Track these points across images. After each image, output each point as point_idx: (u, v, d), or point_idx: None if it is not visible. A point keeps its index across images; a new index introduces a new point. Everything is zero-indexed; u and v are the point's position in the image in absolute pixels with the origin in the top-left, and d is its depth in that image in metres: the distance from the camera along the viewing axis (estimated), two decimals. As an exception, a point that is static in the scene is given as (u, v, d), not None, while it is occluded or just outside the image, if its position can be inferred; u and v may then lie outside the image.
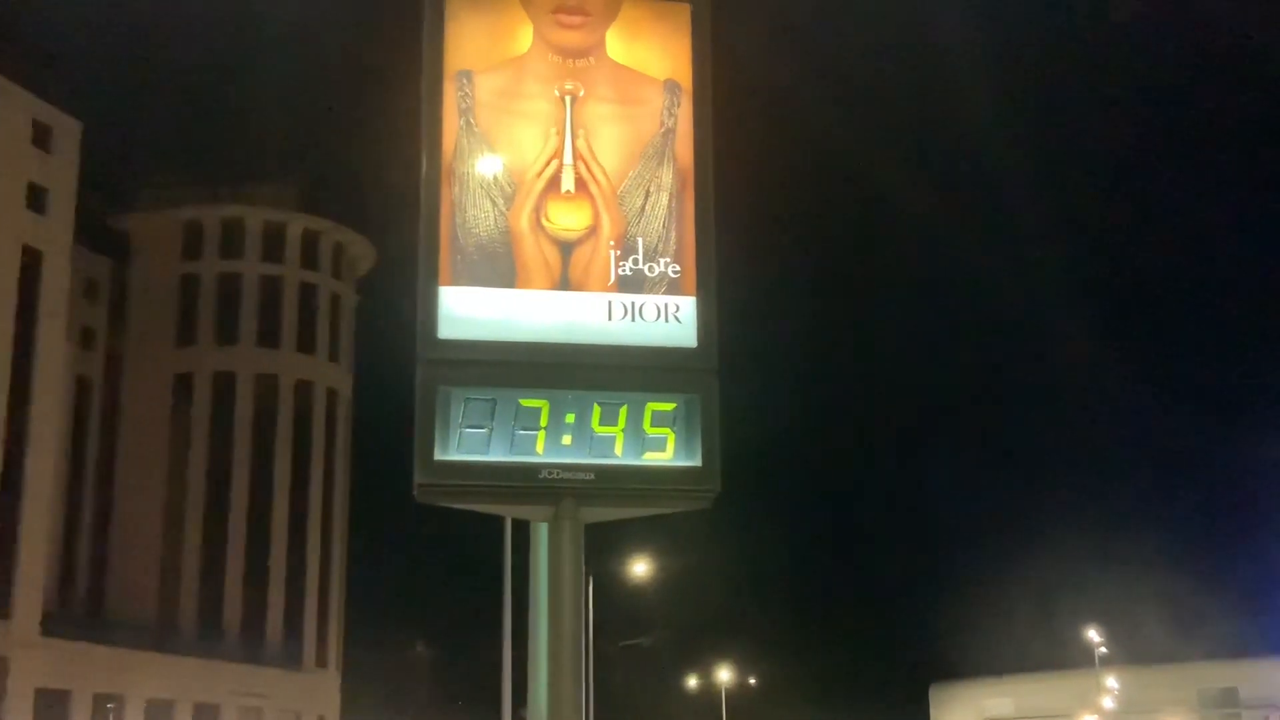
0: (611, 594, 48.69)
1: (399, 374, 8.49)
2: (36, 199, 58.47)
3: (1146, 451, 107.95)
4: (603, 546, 42.23)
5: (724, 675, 75.49)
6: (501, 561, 27.61)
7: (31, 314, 57.53)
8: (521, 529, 9.31)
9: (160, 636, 64.61)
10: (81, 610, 65.94)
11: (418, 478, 7.95)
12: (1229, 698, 71.22)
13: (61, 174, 59.80)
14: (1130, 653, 70.19)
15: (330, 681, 73.48)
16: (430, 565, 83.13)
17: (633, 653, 66.89)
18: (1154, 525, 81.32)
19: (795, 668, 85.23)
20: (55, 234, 59.26)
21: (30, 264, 57.69)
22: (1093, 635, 69.58)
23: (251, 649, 67.93)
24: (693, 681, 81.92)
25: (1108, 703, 70.44)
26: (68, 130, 60.23)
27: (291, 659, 70.12)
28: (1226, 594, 70.04)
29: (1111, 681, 70.55)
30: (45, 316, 58.38)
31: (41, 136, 59.08)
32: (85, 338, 68.73)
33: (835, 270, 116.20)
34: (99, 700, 59.65)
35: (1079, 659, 71.46)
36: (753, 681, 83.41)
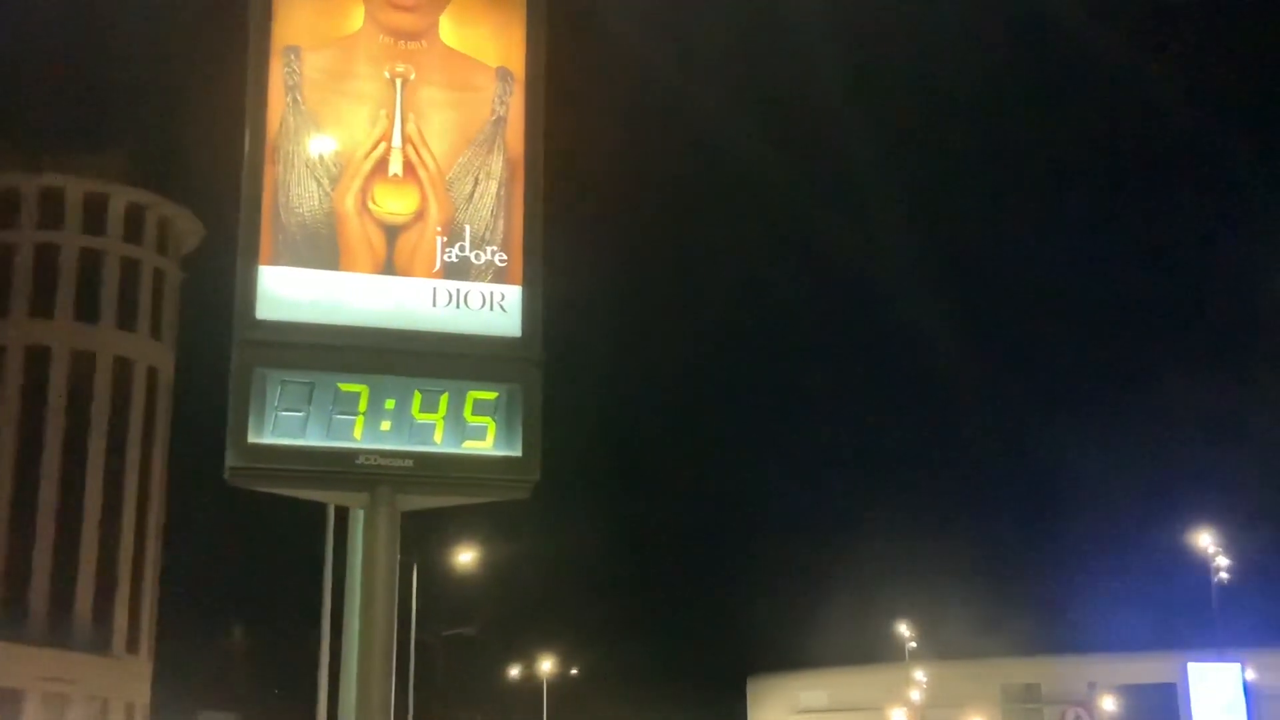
0: (435, 583, 48.39)
1: (223, 354, 8.32)
2: None
3: (962, 452, 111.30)
4: (428, 535, 41.95)
5: (546, 665, 75.62)
6: (324, 546, 27.23)
7: None
8: (344, 514, 9.20)
9: (-39, 619, 62.14)
10: (-125, 590, 63.05)
11: (230, 461, 7.81)
12: (1031, 693, 73.90)
13: None
14: (938, 648, 72.35)
15: (141, 667, 71.50)
16: (251, 551, 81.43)
17: (456, 642, 66.59)
18: (964, 527, 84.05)
19: (617, 658, 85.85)
20: None
21: None
22: (904, 631, 71.63)
23: (59, 633, 65.72)
24: (515, 671, 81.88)
25: (916, 696, 72.53)
26: (-124, 87, 57.43)
27: (101, 644, 68.03)
28: (1030, 594, 72.84)
29: (920, 675, 72.68)
30: None
31: None
32: (-111, 305, 65.64)
33: (663, 262, 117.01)
34: (-109, 684, 57.12)
35: (891, 654, 73.49)
36: (575, 672, 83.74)
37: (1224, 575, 51.13)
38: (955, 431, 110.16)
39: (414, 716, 41.75)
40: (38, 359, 68.44)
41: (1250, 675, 53.56)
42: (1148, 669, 64.99)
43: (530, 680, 78.45)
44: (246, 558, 78.10)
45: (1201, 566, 51.60)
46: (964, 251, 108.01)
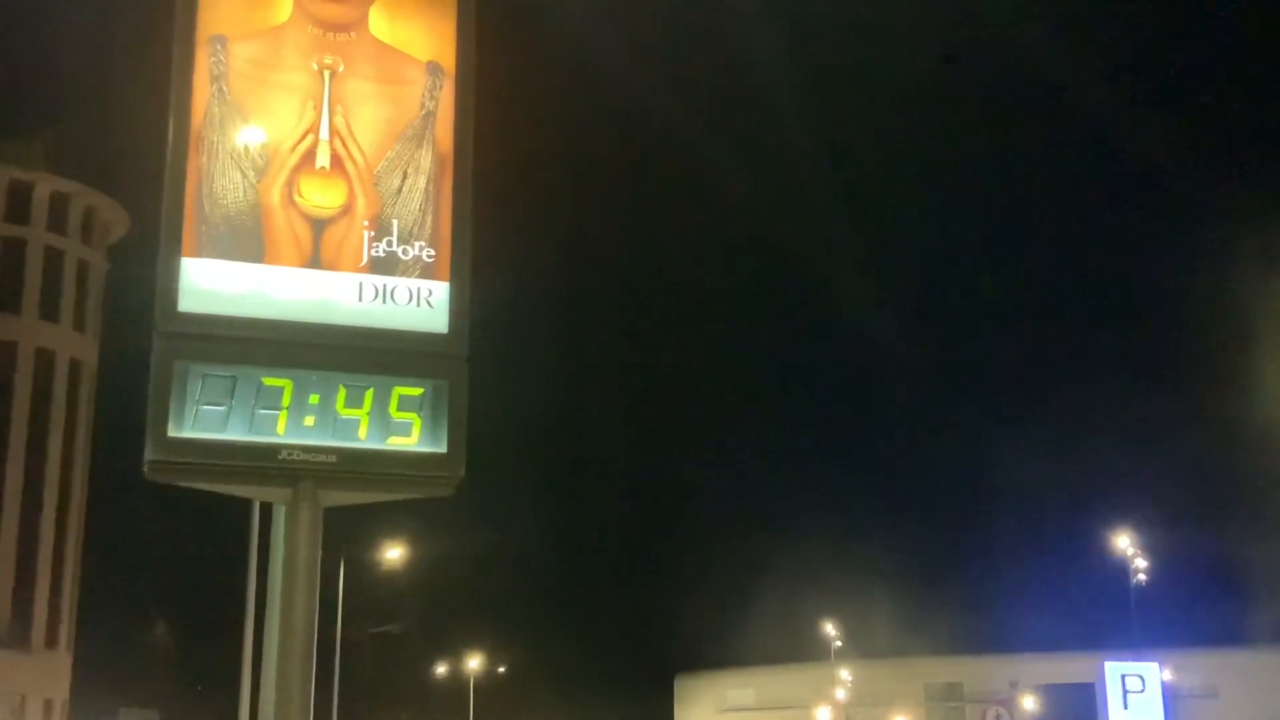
0: (362, 580, 48.04)
1: (148, 347, 8.21)
2: None
3: (886, 451, 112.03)
4: (354, 531, 41.64)
5: (473, 663, 75.38)
6: (249, 541, 26.95)
7: None
8: (269, 510, 9.12)
9: (-127, 613, 60.83)
10: None
11: (149, 454, 7.71)
12: (953, 691, 74.68)
13: None
14: (863, 647, 72.99)
15: (61, 663, 70.39)
16: (175, 546, 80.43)
17: (382, 640, 66.23)
18: (890, 524, 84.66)
19: (544, 657, 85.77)
20: None
21: None
22: (830, 630, 72.19)
23: (-26, 628, 64.56)
24: (442, 669, 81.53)
25: (841, 694, 73.14)
26: None
27: (19, 640, 66.89)
28: (954, 593, 73.65)
29: (845, 674, 73.29)
30: None
31: None
32: None
33: (602, 259, 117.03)
34: None
35: (817, 653, 74.03)
36: (501, 670, 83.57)
37: (1142, 576, 52.04)
38: (880, 432, 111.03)
39: (338, 714, 41.44)
40: (-43, 349, 67.19)
41: (1167, 675, 54.55)
42: (1068, 668, 65.90)
43: (457, 678, 78.15)
44: (169, 553, 77.17)
45: (1120, 567, 52.48)
46: (893, 253, 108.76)
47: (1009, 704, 55.56)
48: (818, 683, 73.73)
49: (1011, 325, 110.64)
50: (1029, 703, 64.14)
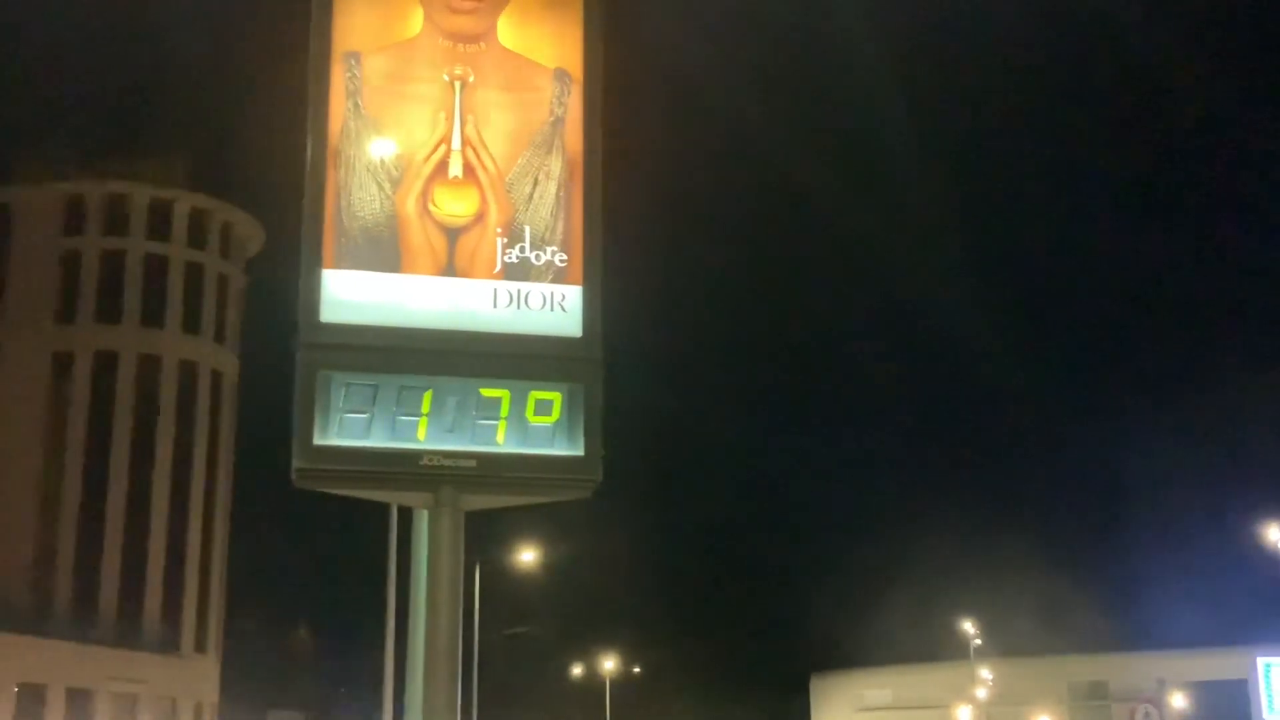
0: (497, 583, 48.58)
1: (286, 357, 8.41)
2: (-90, 168, 56.72)
3: (1024, 448, 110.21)
4: (490, 535, 42.12)
5: (608, 664, 75.69)
6: (388, 546, 27.39)
7: (-97, 286, 55.79)
8: (407, 514, 9.28)
9: (33, 619, 63.08)
10: (-50, 592, 64.14)
11: (296, 462, 7.88)
12: (1098, 690, 73.07)
13: (-62, 143, 58.05)
14: (1004, 645, 71.73)
15: (209, 667, 72.33)
16: (316, 550, 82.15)
17: (518, 642, 66.80)
18: (1029, 521, 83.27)
19: (679, 657, 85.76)
20: (-70, 204, 57.51)
21: (-97, 235, 55.93)
22: (968, 628, 71.03)
23: (128, 633, 66.61)
24: (578, 670, 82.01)
25: (981, 694, 71.93)
26: (-55, 98, 58.44)
27: (169, 644, 68.89)
28: (1097, 589, 72.00)
29: (985, 673, 72.07)
30: (-82, 289, 56.68)
31: (-83, 104, 57.33)
32: (-40, 313, 66.81)
33: (728, 260, 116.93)
34: (-33, 684, 58.11)
35: (955, 651, 72.91)
36: (637, 670, 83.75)
37: (1294, 570, 50.34)
38: (1022, 425, 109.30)
39: (477, 716, 41.95)
40: (105, 364, 69.42)
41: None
42: (1217, 665, 64.13)
43: (592, 679, 78.56)
44: (311, 558, 78.83)
45: (1271, 561, 50.84)
46: (1025, 250, 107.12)
47: (1157, 702, 54.09)
48: (957, 682, 72.62)
49: (1152, 318, 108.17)
50: (1178, 700, 62.47)
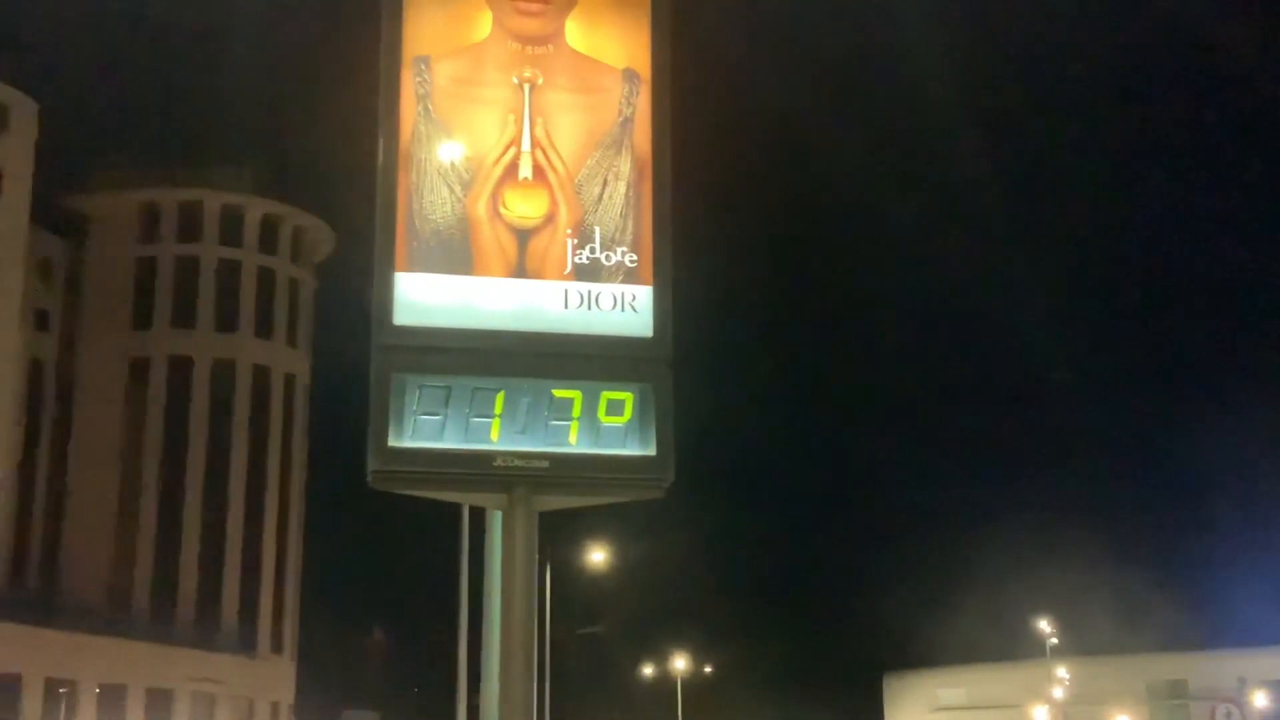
0: (568, 582, 48.70)
1: (357, 360, 8.47)
2: (-9, 179, 57.81)
3: (1098, 444, 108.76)
4: (560, 534, 42.23)
5: (679, 663, 75.59)
6: (459, 546, 27.53)
7: (-15, 295, 56.89)
8: (478, 514, 9.32)
9: (113, 621, 64.12)
10: (34, 593, 65.33)
11: (372, 464, 7.94)
12: (1178, 689, 71.88)
13: (17, 154, 59.13)
14: (1080, 644, 70.82)
15: (285, 667, 73.14)
16: (388, 551, 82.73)
17: (589, 641, 66.88)
18: (1104, 518, 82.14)
19: (750, 657, 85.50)
20: (10, 215, 58.60)
21: (-16, 244, 57.03)
22: (1044, 626, 70.17)
23: (205, 634, 67.52)
24: (649, 669, 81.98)
25: (1058, 693, 71.05)
26: (24, 110, 59.54)
27: (246, 645, 69.74)
28: (1176, 587, 70.93)
29: (1062, 672, 71.17)
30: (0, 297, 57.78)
31: (-3, 116, 58.38)
32: (40, 320, 68.04)
33: (793, 260, 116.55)
34: (51, 684, 59.15)
35: (1030, 650, 72.07)
36: (708, 670, 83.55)
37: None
38: (1101, 420, 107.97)
39: (550, 715, 42.07)
40: (180, 369, 70.42)
41: None
42: (1300, 663, 62.92)
43: (664, 679, 78.50)
44: (384, 558, 79.38)
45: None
46: (1101, 249, 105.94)
47: (1238, 701, 53.18)
48: (1032, 681, 71.75)
49: (1229, 314, 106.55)
50: (1260, 699, 61.35)
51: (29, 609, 60.14)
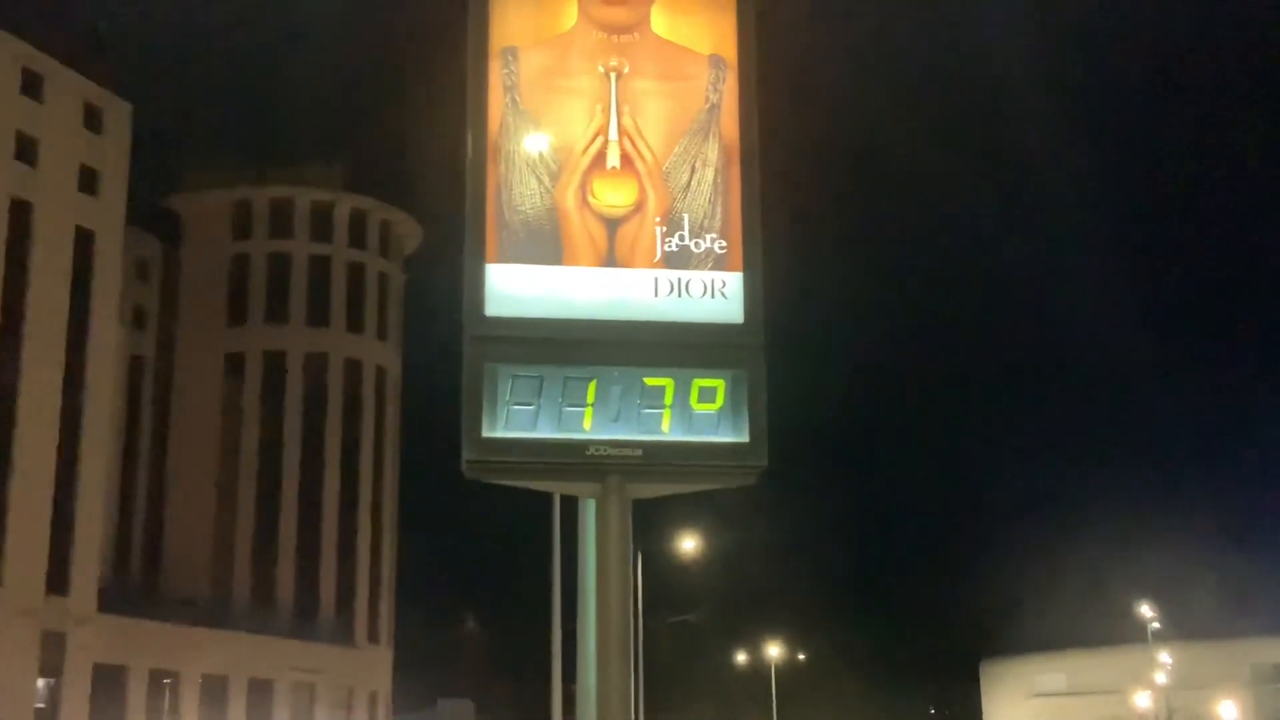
0: (659, 570, 48.80)
1: (447, 351, 8.51)
2: (88, 181, 59.04)
3: (1198, 426, 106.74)
4: (650, 523, 42.33)
5: (773, 651, 75.45)
6: (551, 536, 27.67)
7: (85, 295, 58.15)
8: (571, 503, 9.34)
9: (214, 613, 65.32)
10: (137, 587, 66.77)
11: (466, 455, 7.98)
12: (1284, 673, 70.51)
13: (112, 155, 60.34)
14: (1183, 628, 69.63)
15: (382, 657, 74.09)
16: (480, 541, 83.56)
17: (681, 629, 66.97)
18: (1206, 501, 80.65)
19: (845, 644, 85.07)
20: (107, 215, 59.83)
21: (83, 245, 58.29)
22: (1145, 610, 69.06)
23: (304, 625, 68.56)
24: (741, 657, 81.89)
25: (1160, 678, 69.90)
26: (118, 112, 60.73)
27: (344, 635, 70.74)
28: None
29: (1164, 657, 70.02)
30: (98, 297, 59.01)
31: (92, 119, 59.60)
32: (138, 318, 69.43)
33: (884, 246, 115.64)
34: (155, 676, 60.43)
35: (1131, 634, 70.99)
36: (802, 657, 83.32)
37: None
38: (1200, 404, 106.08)
39: (644, 703, 42.20)
40: (274, 364, 71.51)
41: None
42: None
43: (757, 666, 78.40)
44: (475, 548, 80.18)
45: None
46: (1197, 245, 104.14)
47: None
48: (1134, 666, 70.68)
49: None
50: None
51: (133, 601, 61.46)
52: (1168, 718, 68.46)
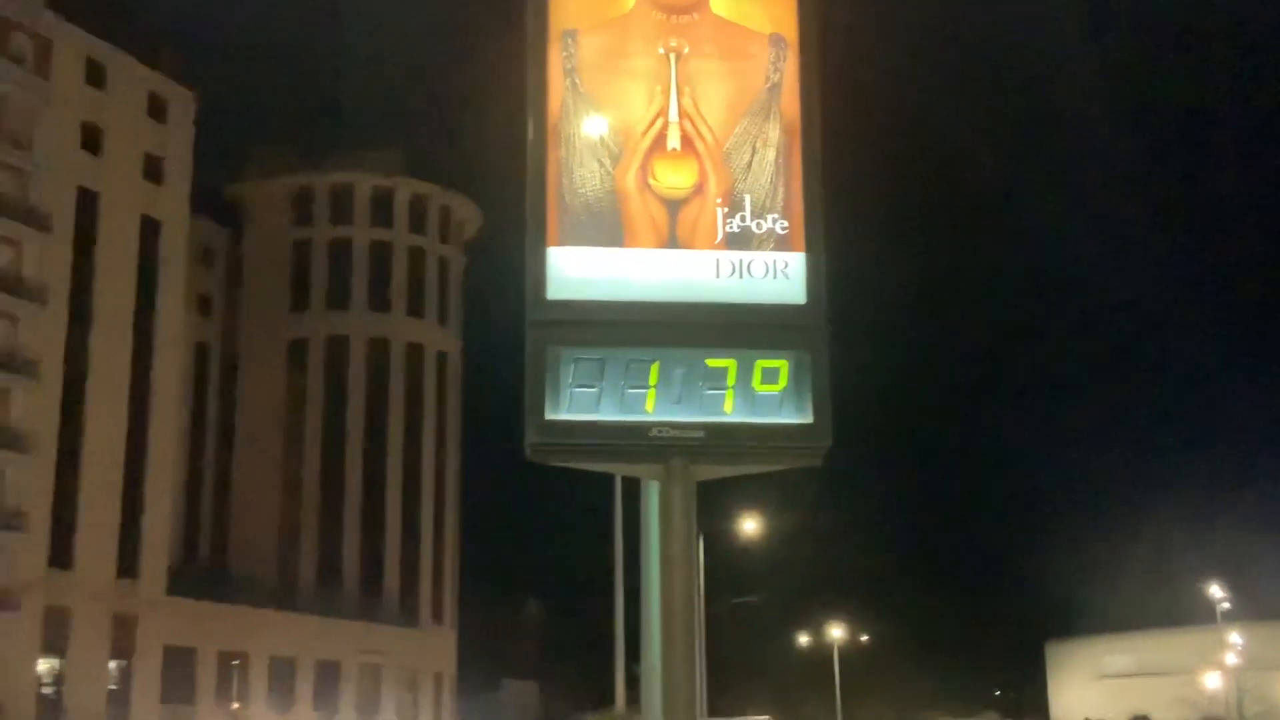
0: (721, 552, 48.77)
1: (507, 335, 8.51)
2: (153, 169, 59.80)
3: (1268, 409, 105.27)
4: (712, 505, 42.31)
5: (836, 633, 75.23)
6: (612, 518, 27.76)
7: (151, 282, 58.97)
8: (632, 486, 9.33)
9: (281, 595, 66.14)
10: (205, 570, 67.73)
11: (529, 438, 7.99)
12: (1356, 655, 69.47)
13: (177, 144, 61.05)
14: (1253, 609, 68.72)
15: (446, 638, 74.70)
16: (542, 523, 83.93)
17: (743, 611, 66.93)
18: (1275, 481, 79.50)
19: (908, 626, 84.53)
20: (172, 203, 60.57)
21: (148, 233, 59.08)
22: (1215, 591, 68.18)
23: (369, 607, 69.25)
24: (804, 639, 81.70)
25: (1230, 659, 69.01)
26: (182, 102, 61.41)
27: (408, 616, 71.38)
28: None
29: (1234, 637, 69.11)
30: (164, 284, 59.80)
31: (157, 108, 60.32)
32: (203, 305, 70.29)
33: (946, 227, 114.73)
34: (223, 658, 61.31)
35: (1198, 615, 70.14)
36: (865, 639, 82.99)
37: None
38: (1268, 386, 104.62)
39: (707, 685, 42.26)
40: (337, 349, 72.16)
41: None
42: None
43: (820, 648, 78.21)
44: (538, 531, 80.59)
45: None
46: (1250, 239, 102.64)
47: None
48: (1202, 647, 69.81)
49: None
50: None
51: (201, 585, 62.37)
52: (1238, 699, 67.58)
